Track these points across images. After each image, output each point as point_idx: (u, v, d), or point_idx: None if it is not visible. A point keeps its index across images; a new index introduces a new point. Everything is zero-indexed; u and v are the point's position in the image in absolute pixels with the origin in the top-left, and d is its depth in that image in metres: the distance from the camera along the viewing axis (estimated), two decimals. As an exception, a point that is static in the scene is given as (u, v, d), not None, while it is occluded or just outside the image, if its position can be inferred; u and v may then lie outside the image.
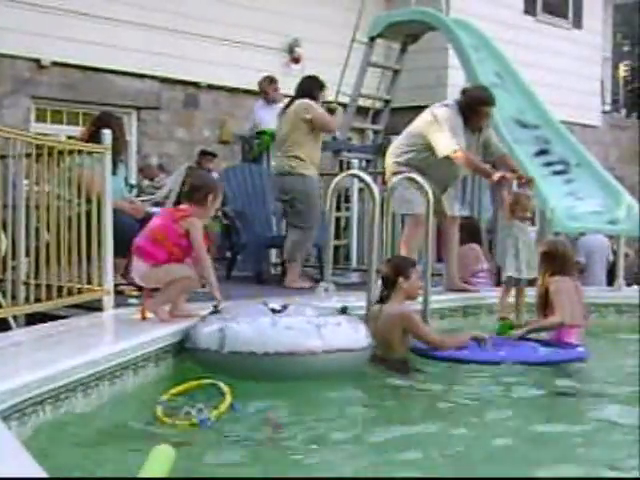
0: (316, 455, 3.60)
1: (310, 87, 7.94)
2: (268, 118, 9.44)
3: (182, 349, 4.98)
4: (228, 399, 4.12)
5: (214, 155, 10.64)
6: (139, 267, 5.33)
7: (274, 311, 5.00)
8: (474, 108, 7.15)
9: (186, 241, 5.28)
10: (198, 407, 3.98)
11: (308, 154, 7.75)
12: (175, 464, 2.97)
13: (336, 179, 6.81)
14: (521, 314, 6.48)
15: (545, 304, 5.94)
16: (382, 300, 5.69)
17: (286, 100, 8.25)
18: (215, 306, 5.10)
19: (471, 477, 3.39)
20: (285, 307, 5.07)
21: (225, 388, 4.23)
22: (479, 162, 7.16)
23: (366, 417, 4.36)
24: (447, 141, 6.99)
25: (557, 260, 5.99)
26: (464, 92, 7.39)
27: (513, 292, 6.49)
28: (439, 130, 7.05)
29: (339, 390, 4.69)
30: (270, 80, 9.92)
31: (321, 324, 4.91)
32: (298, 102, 7.81)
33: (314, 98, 7.82)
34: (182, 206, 5.46)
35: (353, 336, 5.02)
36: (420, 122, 7.33)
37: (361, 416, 4.37)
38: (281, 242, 8.02)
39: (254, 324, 4.85)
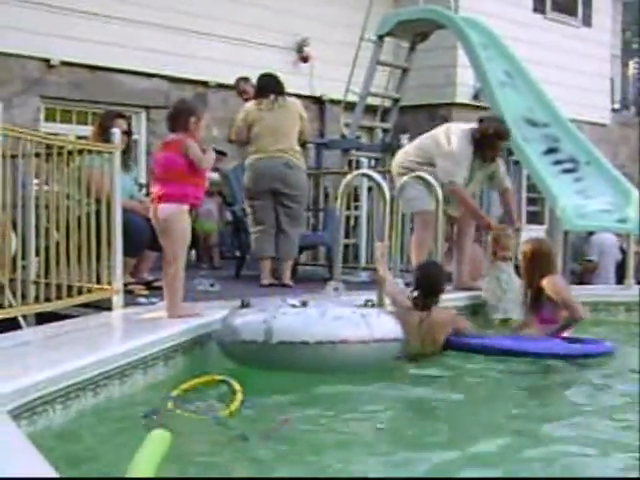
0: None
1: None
2: None
3: (190, 345, 4.98)
4: (239, 397, 4.09)
5: (224, 154, 10.64)
6: (164, 209, 5.36)
7: (294, 307, 5.00)
8: (489, 141, 7.19)
9: (190, 162, 5.35)
10: (209, 404, 3.98)
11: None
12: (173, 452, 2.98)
13: (347, 178, 6.81)
14: None
15: (539, 304, 5.94)
16: (418, 305, 5.71)
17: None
18: (244, 301, 5.10)
19: (471, 477, 3.38)
20: (305, 304, 5.05)
21: (236, 385, 4.21)
22: (473, 203, 7.35)
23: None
24: (450, 170, 7.07)
25: (545, 259, 6.00)
26: (481, 121, 7.39)
27: None
28: (447, 157, 7.14)
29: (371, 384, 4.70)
30: (246, 80, 9.83)
31: (365, 314, 4.96)
32: (294, 99, 7.86)
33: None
34: (170, 136, 5.46)
35: (393, 327, 5.07)
36: (432, 140, 7.38)
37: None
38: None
39: (302, 315, 4.86)
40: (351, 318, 4.90)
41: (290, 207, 7.81)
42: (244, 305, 5.06)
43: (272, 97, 7.86)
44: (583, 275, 10.31)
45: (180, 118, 5.44)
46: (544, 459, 3.48)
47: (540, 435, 3.88)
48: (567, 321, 5.85)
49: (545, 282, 5.88)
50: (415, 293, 5.80)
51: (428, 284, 5.80)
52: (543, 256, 6.02)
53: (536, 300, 5.98)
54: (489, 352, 5.43)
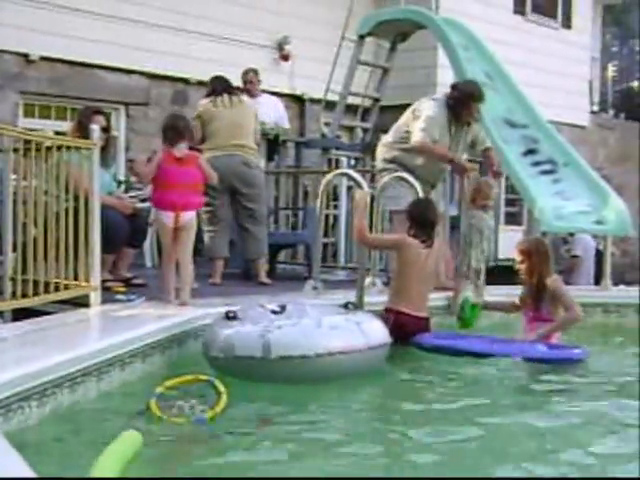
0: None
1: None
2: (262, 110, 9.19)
3: (166, 343, 4.97)
4: (224, 399, 4.05)
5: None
6: (186, 216, 5.97)
7: (274, 312, 4.95)
8: (464, 102, 7.20)
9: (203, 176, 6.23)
10: (191, 404, 3.96)
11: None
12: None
13: (327, 177, 6.81)
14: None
15: (538, 303, 5.92)
16: (424, 242, 5.95)
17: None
18: (229, 312, 4.96)
19: (471, 477, 3.39)
20: (284, 308, 5.00)
21: (221, 387, 4.16)
22: (442, 150, 7.20)
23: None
24: (420, 129, 7.06)
25: (543, 258, 5.98)
26: (454, 86, 7.42)
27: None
28: (418, 120, 7.13)
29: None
30: (255, 72, 9.82)
31: (359, 321, 4.96)
32: (247, 97, 7.88)
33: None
34: (182, 150, 6.04)
35: (383, 332, 5.07)
36: (406, 116, 7.41)
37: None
38: (268, 239, 7.97)
39: (298, 326, 4.79)
40: (347, 327, 4.89)
41: (250, 207, 7.69)
42: (230, 317, 4.92)
43: (226, 95, 7.80)
44: (568, 273, 10.35)
45: (187, 131, 6.13)
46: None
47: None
48: (563, 321, 5.85)
49: (550, 282, 5.85)
50: (412, 231, 5.96)
51: (425, 219, 6.00)
52: (541, 255, 5.98)
53: (536, 299, 5.94)
54: (457, 353, 5.45)
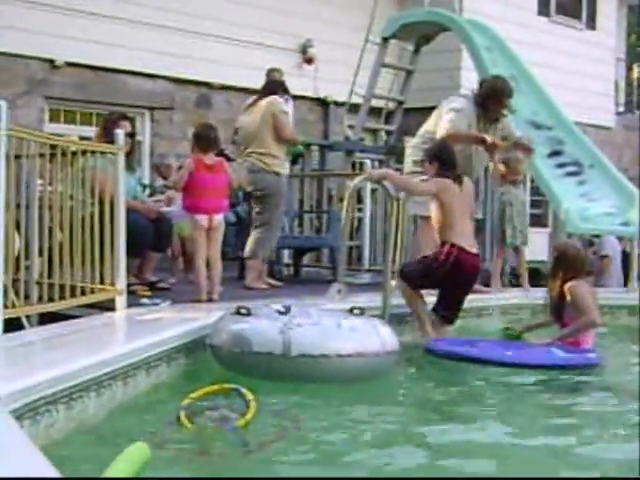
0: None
1: (274, 87, 7.85)
2: None
3: (192, 346, 4.98)
4: (254, 405, 4.02)
5: (229, 159, 10.65)
6: (219, 219, 6.42)
7: (280, 313, 4.95)
8: (493, 98, 7.18)
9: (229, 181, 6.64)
10: (222, 413, 3.94)
11: (278, 152, 7.61)
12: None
13: (355, 181, 6.76)
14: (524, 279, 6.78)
15: (562, 309, 5.87)
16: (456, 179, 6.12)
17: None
18: (242, 307, 4.96)
19: (470, 477, 3.37)
20: (288, 309, 5.01)
21: (249, 394, 4.13)
22: (469, 132, 7.16)
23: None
24: (444, 123, 7.05)
25: (570, 264, 5.90)
26: (483, 82, 7.41)
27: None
28: (448, 112, 7.13)
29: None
30: (278, 72, 9.80)
31: (375, 325, 4.96)
32: (270, 98, 7.69)
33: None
34: (212, 157, 6.46)
35: (394, 338, 5.02)
36: (432, 117, 7.40)
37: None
38: (292, 242, 7.98)
39: (320, 326, 4.79)
40: (365, 329, 4.88)
41: (259, 207, 7.64)
42: (243, 313, 4.91)
43: (251, 99, 7.82)
44: (598, 274, 10.24)
45: (217, 140, 6.59)
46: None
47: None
48: (578, 326, 5.79)
49: (567, 287, 5.80)
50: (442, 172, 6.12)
51: (452, 158, 6.20)
52: (569, 261, 5.90)
53: (559, 304, 5.90)
54: (470, 361, 5.42)
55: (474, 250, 6.04)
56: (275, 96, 7.64)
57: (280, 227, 7.80)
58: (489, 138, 7.06)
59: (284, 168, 7.68)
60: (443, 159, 6.17)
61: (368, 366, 4.78)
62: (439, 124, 7.20)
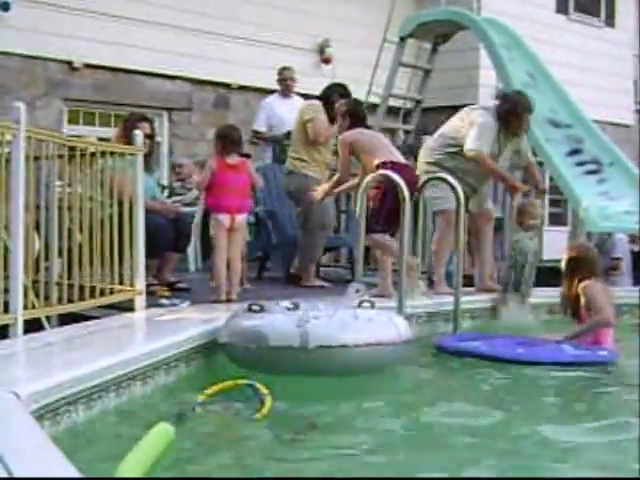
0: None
1: (329, 93, 7.88)
2: (289, 116, 8.95)
3: (211, 347, 4.99)
4: (269, 400, 4.04)
5: (248, 156, 10.65)
6: (241, 218, 6.48)
7: (288, 309, 4.96)
8: (516, 114, 7.17)
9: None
10: (236, 409, 3.96)
11: (311, 155, 7.73)
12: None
13: (366, 179, 6.78)
14: None
15: (578, 309, 5.86)
16: None
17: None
18: (254, 304, 4.97)
19: (469, 477, 3.37)
20: (297, 306, 4.99)
21: (263, 389, 4.14)
22: (496, 167, 7.19)
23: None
24: (475, 138, 7.04)
25: (586, 264, 5.90)
26: (505, 98, 7.38)
27: None
28: (472, 126, 7.12)
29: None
30: (289, 70, 9.83)
31: (392, 316, 5.04)
32: (305, 104, 7.80)
33: (331, 104, 7.66)
34: (234, 158, 6.50)
35: (409, 327, 5.08)
36: (455, 122, 7.37)
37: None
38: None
39: (336, 318, 4.80)
40: (381, 320, 4.92)
41: (299, 209, 7.89)
42: (255, 310, 4.90)
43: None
44: (613, 272, 10.21)
45: (240, 141, 6.64)
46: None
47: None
48: (591, 325, 5.78)
49: (581, 287, 5.80)
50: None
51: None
52: (584, 262, 5.90)
53: (575, 305, 5.89)
54: (480, 357, 5.41)
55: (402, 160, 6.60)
56: (311, 101, 7.79)
57: (323, 226, 7.83)
58: (516, 182, 7.25)
59: (314, 171, 7.75)
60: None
61: (386, 355, 4.81)
62: (463, 134, 7.18)
